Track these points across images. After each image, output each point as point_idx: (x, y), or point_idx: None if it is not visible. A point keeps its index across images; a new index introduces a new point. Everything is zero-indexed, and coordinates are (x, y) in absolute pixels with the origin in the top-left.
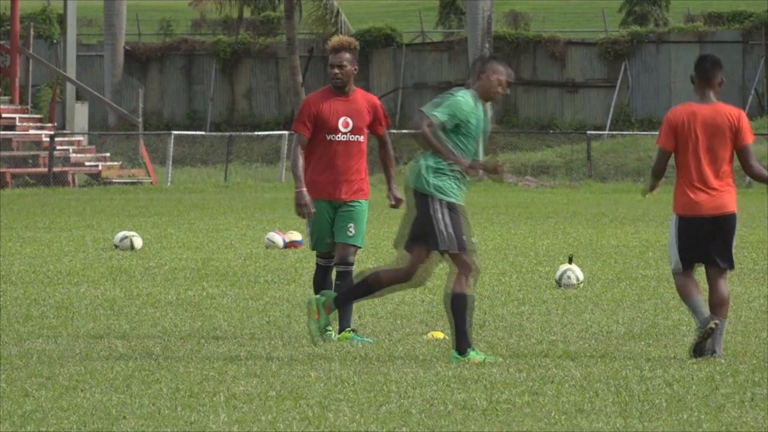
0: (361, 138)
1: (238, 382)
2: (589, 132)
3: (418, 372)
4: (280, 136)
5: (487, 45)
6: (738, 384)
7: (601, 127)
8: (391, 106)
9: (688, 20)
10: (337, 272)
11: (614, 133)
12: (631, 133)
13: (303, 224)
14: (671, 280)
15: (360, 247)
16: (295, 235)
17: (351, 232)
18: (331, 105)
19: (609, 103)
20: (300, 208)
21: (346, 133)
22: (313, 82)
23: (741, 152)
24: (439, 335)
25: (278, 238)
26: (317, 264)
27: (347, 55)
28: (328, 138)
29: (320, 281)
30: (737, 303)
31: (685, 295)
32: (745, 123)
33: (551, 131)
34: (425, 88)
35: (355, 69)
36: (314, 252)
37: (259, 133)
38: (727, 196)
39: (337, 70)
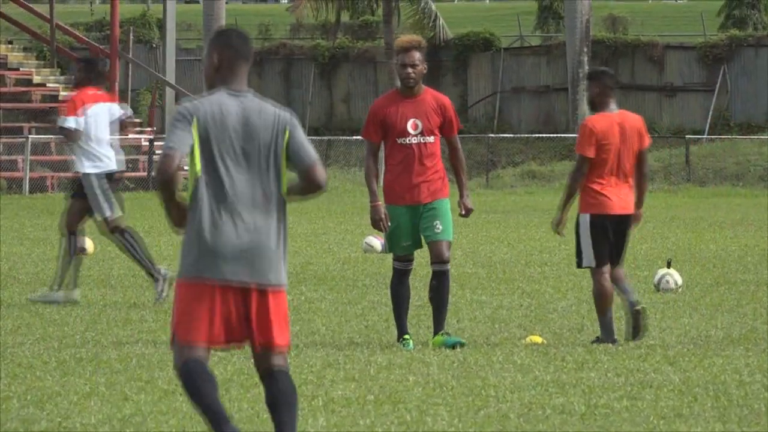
0: (432, 139)
1: (336, 386)
2: (687, 136)
3: (516, 376)
4: None
5: (585, 49)
6: None
7: (700, 132)
8: (489, 110)
9: None
10: (433, 272)
11: (713, 137)
12: (729, 137)
13: None
14: None
15: (450, 241)
16: None
17: (438, 228)
18: (399, 108)
19: (708, 107)
20: (376, 224)
21: (416, 135)
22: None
23: (642, 154)
24: (538, 339)
25: (376, 243)
26: (394, 268)
27: (418, 54)
28: (399, 142)
29: (396, 285)
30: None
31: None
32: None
33: (650, 135)
34: (523, 92)
35: (425, 68)
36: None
37: (358, 137)
38: (631, 196)
39: (409, 70)
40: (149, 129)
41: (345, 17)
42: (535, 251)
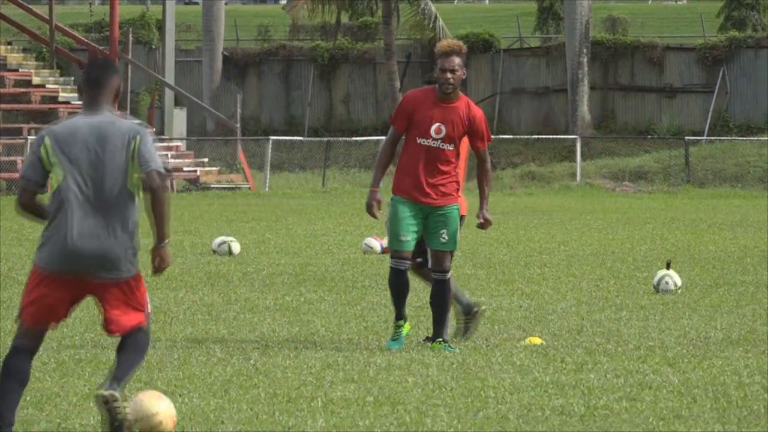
0: (452, 147)
1: (335, 387)
2: (687, 137)
3: (516, 377)
4: (378, 141)
5: (584, 50)
6: None
7: (699, 133)
8: (489, 111)
9: None
10: (435, 280)
11: (712, 138)
12: (729, 138)
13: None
14: None
15: (454, 251)
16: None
17: (444, 238)
18: (429, 108)
19: (707, 108)
20: (368, 208)
21: (437, 140)
22: (410, 87)
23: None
24: (537, 341)
25: (376, 244)
26: (390, 267)
27: (458, 60)
28: (418, 141)
29: (393, 280)
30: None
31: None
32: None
33: (649, 137)
34: (523, 94)
35: (464, 74)
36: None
37: (357, 138)
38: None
39: (449, 75)
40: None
41: (345, 18)
42: (534, 252)
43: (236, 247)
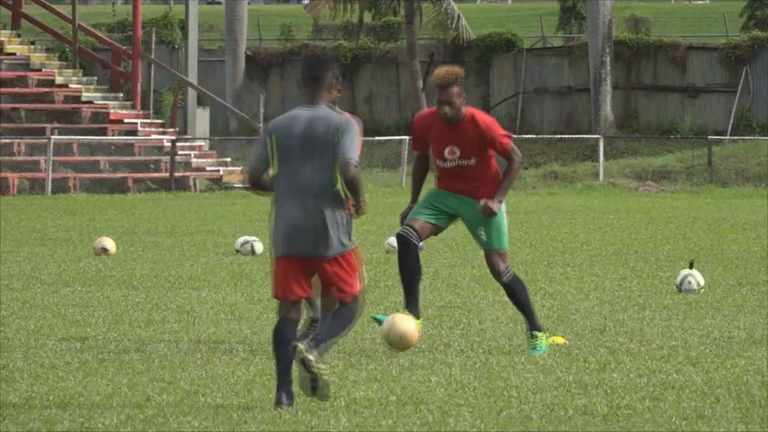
0: (474, 161)
1: (358, 386)
2: (710, 137)
3: (539, 377)
4: (401, 141)
5: (607, 50)
6: None
7: (722, 132)
8: (511, 111)
9: None
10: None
11: (735, 138)
12: (752, 138)
13: None
14: None
15: (501, 250)
16: None
17: (483, 236)
18: (438, 131)
19: (730, 107)
20: (401, 218)
21: (454, 160)
22: (433, 87)
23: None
24: (560, 340)
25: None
26: (397, 234)
27: (455, 89)
28: (438, 163)
29: (401, 255)
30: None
31: None
32: None
33: (672, 136)
34: (545, 93)
35: (464, 100)
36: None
37: (380, 138)
38: None
39: (446, 109)
40: (171, 130)
41: (367, 18)
42: (557, 252)
43: (259, 247)
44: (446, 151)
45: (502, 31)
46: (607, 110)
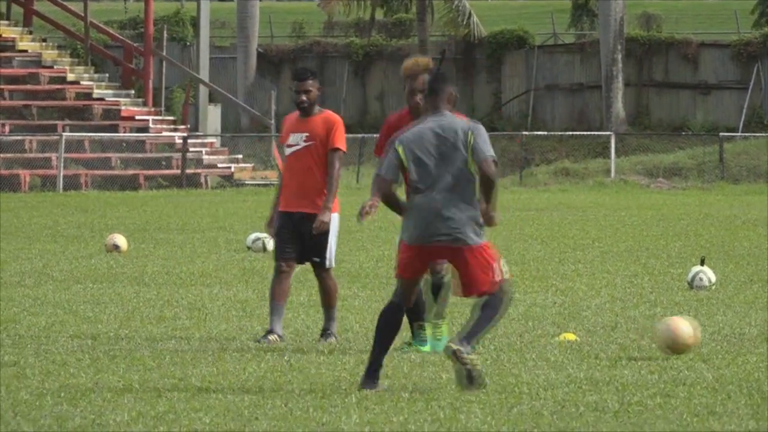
0: None
1: None
2: (721, 134)
3: (550, 374)
4: None
5: (619, 47)
6: None
7: (734, 129)
8: (523, 108)
9: None
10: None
11: (747, 135)
12: (764, 135)
13: None
14: None
15: None
16: None
17: None
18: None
19: (742, 104)
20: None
21: None
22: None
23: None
24: (571, 337)
25: None
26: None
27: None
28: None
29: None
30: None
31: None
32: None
33: (683, 133)
34: (557, 90)
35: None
36: None
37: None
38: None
39: (412, 96)
40: (183, 127)
41: (379, 15)
42: (568, 249)
43: (271, 244)
44: None
45: (514, 28)
46: (619, 107)
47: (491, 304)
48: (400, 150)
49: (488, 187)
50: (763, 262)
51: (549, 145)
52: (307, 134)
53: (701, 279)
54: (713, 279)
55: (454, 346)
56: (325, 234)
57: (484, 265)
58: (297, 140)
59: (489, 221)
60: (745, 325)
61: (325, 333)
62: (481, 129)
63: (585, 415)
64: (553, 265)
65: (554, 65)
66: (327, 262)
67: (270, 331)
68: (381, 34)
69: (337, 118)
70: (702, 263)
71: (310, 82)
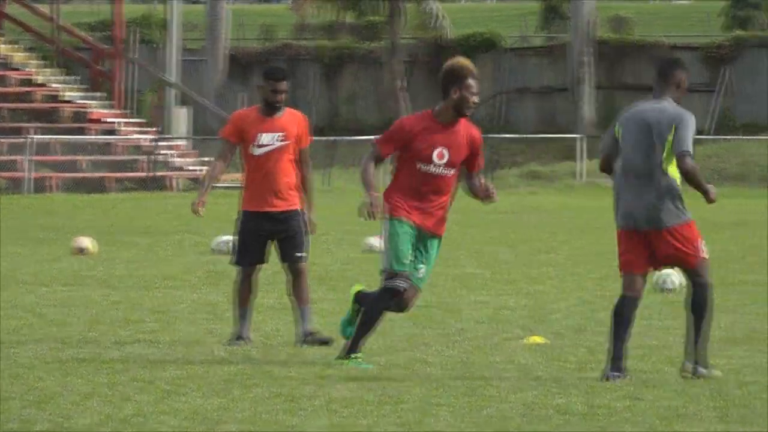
0: (453, 172)
1: (337, 386)
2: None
3: (518, 376)
4: None
5: (589, 49)
6: None
7: (703, 132)
8: (492, 111)
9: None
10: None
11: (717, 137)
12: (733, 137)
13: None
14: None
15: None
16: None
17: (421, 273)
18: (430, 133)
19: (711, 107)
20: (372, 208)
21: (440, 166)
22: (415, 87)
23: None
24: (539, 340)
25: (376, 243)
26: (386, 288)
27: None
28: (419, 168)
29: (386, 304)
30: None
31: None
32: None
33: None
34: (527, 93)
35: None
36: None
37: (362, 137)
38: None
39: (471, 95)
40: (152, 129)
41: (350, 18)
42: (537, 251)
43: None
44: (436, 154)
45: (484, 30)
46: (588, 110)
47: (699, 302)
48: (617, 126)
49: (690, 181)
50: (730, 266)
51: (518, 148)
52: (283, 133)
53: (669, 282)
54: (681, 282)
55: (693, 373)
56: (301, 230)
57: (692, 244)
58: (271, 140)
59: (707, 197)
60: (713, 329)
61: (311, 333)
62: (690, 120)
63: (553, 418)
64: (521, 267)
65: (524, 68)
66: (306, 256)
67: (239, 337)
68: (351, 36)
69: (304, 115)
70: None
71: (286, 82)
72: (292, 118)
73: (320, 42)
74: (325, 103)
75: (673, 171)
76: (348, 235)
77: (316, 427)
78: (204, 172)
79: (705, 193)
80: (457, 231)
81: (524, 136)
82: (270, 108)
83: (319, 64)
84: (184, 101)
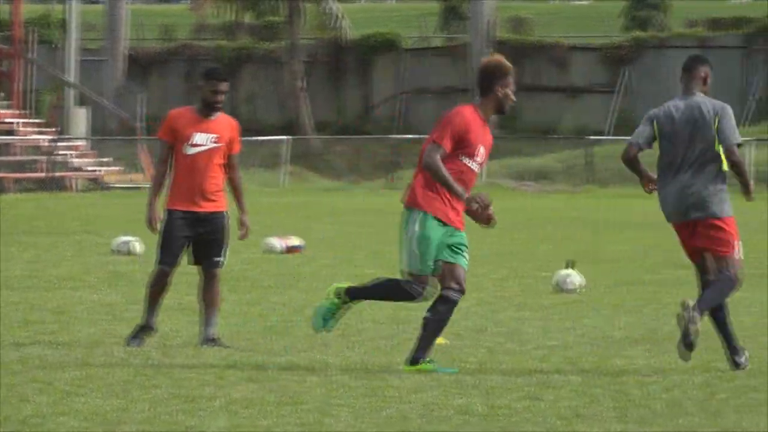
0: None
1: (237, 387)
2: (589, 137)
3: (418, 377)
4: (281, 141)
5: (489, 50)
6: (736, 389)
7: (602, 132)
8: (392, 111)
9: (690, 25)
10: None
11: (615, 138)
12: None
13: (304, 230)
14: (671, 286)
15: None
16: (294, 241)
17: (467, 256)
18: (479, 129)
19: (610, 108)
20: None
21: (479, 163)
22: (315, 87)
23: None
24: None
25: (276, 243)
26: (415, 289)
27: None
28: (464, 162)
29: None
30: (736, 308)
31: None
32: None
33: (552, 136)
34: (427, 93)
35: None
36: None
37: (261, 138)
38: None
39: (511, 93)
40: (51, 129)
41: (251, 18)
42: None
43: (138, 247)
44: (481, 150)
45: (384, 31)
46: None
47: (722, 282)
48: (655, 124)
49: (736, 170)
50: (630, 265)
51: (418, 149)
52: (217, 136)
53: (569, 282)
54: (581, 282)
55: (687, 311)
56: (225, 233)
57: (725, 237)
58: (205, 140)
59: (747, 193)
60: (613, 329)
61: (213, 340)
62: (730, 111)
63: (453, 419)
64: None
65: (424, 68)
66: (225, 261)
67: (144, 327)
68: (251, 36)
69: (236, 122)
70: (570, 266)
71: (227, 83)
72: (226, 123)
73: (220, 42)
74: (224, 103)
75: (719, 163)
76: (251, 236)
77: (215, 427)
78: (150, 184)
79: (746, 187)
80: (353, 230)
81: (424, 136)
82: (208, 108)
83: (219, 65)
84: (83, 101)
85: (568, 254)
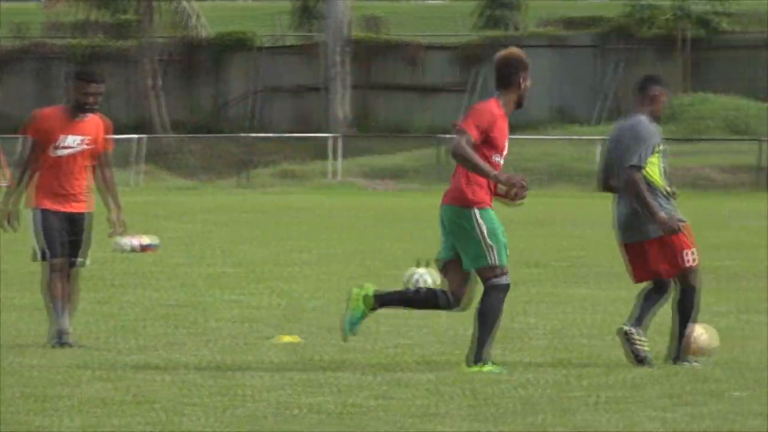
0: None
1: (88, 386)
2: (439, 135)
3: (270, 376)
4: (133, 139)
5: (342, 49)
6: (589, 387)
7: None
8: (246, 109)
9: (545, 25)
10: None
11: None
12: None
13: (158, 229)
14: (523, 284)
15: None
16: (149, 240)
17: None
18: (504, 125)
19: (463, 107)
20: (518, 184)
21: (503, 157)
22: (169, 85)
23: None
24: (292, 339)
25: (127, 242)
26: (502, 285)
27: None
28: (492, 158)
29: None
30: (585, 306)
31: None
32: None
33: (405, 135)
34: (281, 92)
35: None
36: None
37: (114, 136)
38: None
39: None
40: None
41: (106, 16)
42: (289, 251)
43: None
44: (506, 144)
45: (238, 29)
46: (341, 109)
47: (686, 298)
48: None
49: (629, 193)
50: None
51: (271, 147)
52: (88, 137)
53: (419, 281)
54: (433, 281)
55: (625, 329)
56: (89, 234)
57: (668, 254)
58: (74, 142)
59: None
60: (466, 327)
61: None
62: (633, 132)
63: (305, 417)
64: (273, 266)
65: (278, 67)
66: (87, 261)
67: (61, 332)
68: (105, 35)
69: (107, 120)
70: (425, 265)
71: (102, 84)
72: (96, 123)
73: (72, 40)
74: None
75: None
76: (97, 235)
77: (66, 427)
78: (8, 183)
79: (646, 211)
80: (207, 229)
81: (278, 135)
82: (79, 110)
83: (72, 63)
84: None
85: (419, 252)
